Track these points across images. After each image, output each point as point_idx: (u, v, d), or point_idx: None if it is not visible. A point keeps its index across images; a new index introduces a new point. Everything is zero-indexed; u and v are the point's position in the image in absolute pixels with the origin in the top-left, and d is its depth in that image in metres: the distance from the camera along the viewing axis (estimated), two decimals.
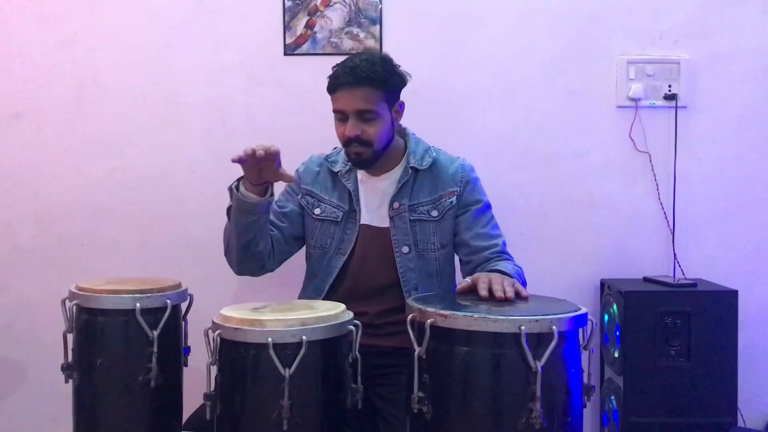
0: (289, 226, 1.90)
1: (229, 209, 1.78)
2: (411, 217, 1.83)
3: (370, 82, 1.73)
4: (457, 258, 1.92)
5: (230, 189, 1.74)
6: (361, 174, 1.88)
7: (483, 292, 1.48)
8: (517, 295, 1.48)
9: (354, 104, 1.74)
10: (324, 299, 1.81)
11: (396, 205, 1.83)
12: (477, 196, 1.87)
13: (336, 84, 1.76)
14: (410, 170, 1.84)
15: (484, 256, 1.80)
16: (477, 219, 1.85)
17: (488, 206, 1.89)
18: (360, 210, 1.86)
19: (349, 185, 1.86)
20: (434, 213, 1.83)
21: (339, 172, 1.88)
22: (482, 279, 1.52)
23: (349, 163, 1.86)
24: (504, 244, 1.85)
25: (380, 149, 1.79)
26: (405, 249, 1.83)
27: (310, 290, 1.89)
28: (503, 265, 1.72)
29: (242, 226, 1.75)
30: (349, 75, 1.74)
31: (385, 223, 1.84)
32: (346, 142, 1.78)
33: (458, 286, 1.56)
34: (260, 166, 1.66)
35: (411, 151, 1.86)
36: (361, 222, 1.85)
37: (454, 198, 1.84)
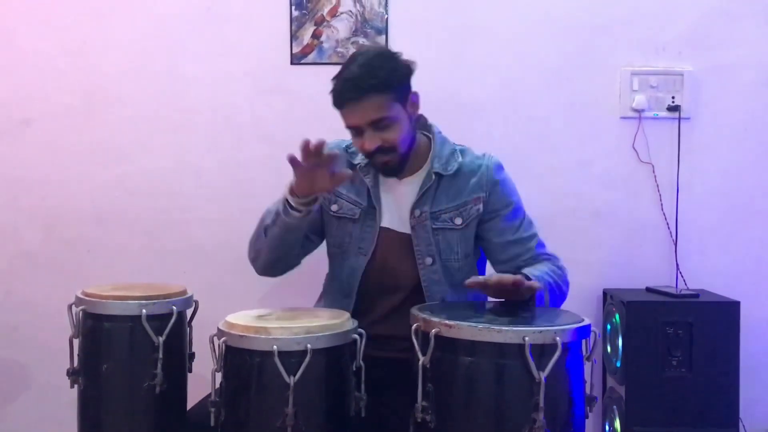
0: (310, 222, 1.77)
1: (266, 224, 1.70)
2: (433, 226, 1.72)
3: (375, 90, 1.60)
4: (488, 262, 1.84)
5: (278, 212, 1.65)
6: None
7: (492, 279, 1.50)
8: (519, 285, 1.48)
9: (365, 116, 1.62)
10: (355, 303, 1.74)
11: (417, 213, 1.72)
12: (506, 200, 1.75)
13: (341, 100, 1.64)
14: (433, 175, 1.72)
15: (516, 263, 1.71)
16: (508, 225, 1.74)
17: (518, 207, 1.76)
18: (380, 208, 1.75)
19: (368, 180, 1.74)
20: (458, 221, 1.72)
21: (359, 165, 1.76)
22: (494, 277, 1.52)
23: None
24: (539, 245, 1.75)
25: (406, 151, 1.68)
26: (428, 260, 1.72)
27: (334, 291, 1.82)
28: (529, 270, 1.65)
29: (286, 242, 1.70)
30: (351, 89, 1.61)
31: (406, 229, 1.74)
32: (369, 155, 1.68)
33: (468, 280, 1.54)
34: (314, 173, 1.56)
35: (436, 155, 1.74)
36: (382, 224, 1.75)
37: (480, 205, 1.72)
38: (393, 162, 1.68)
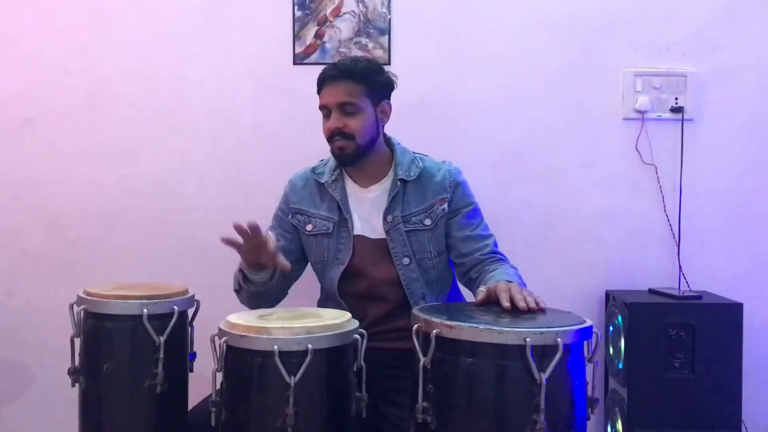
0: (288, 255, 1.86)
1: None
2: (406, 228, 1.83)
3: (352, 77, 1.77)
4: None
5: (239, 281, 1.78)
6: (349, 185, 1.88)
7: (506, 303, 1.47)
8: (537, 304, 1.47)
9: (336, 97, 1.77)
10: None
11: (390, 218, 1.83)
12: (467, 199, 1.88)
13: (321, 81, 1.81)
14: (399, 182, 1.84)
15: (476, 258, 1.82)
16: (468, 222, 1.86)
17: (477, 208, 1.90)
18: (351, 219, 1.85)
19: (336, 195, 1.86)
20: (427, 222, 1.84)
21: (326, 182, 1.88)
22: (502, 288, 1.51)
23: (336, 173, 1.87)
24: (495, 243, 1.86)
25: (363, 144, 1.79)
26: (406, 260, 1.83)
27: (328, 304, 1.89)
28: (505, 270, 1.72)
29: (261, 297, 1.80)
30: (332, 69, 1.80)
31: (381, 235, 1.84)
32: (330, 137, 1.80)
33: (477, 298, 1.55)
34: (254, 250, 1.68)
35: (398, 163, 1.86)
36: (355, 232, 1.85)
37: (445, 205, 1.85)
38: (348, 150, 1.79)
